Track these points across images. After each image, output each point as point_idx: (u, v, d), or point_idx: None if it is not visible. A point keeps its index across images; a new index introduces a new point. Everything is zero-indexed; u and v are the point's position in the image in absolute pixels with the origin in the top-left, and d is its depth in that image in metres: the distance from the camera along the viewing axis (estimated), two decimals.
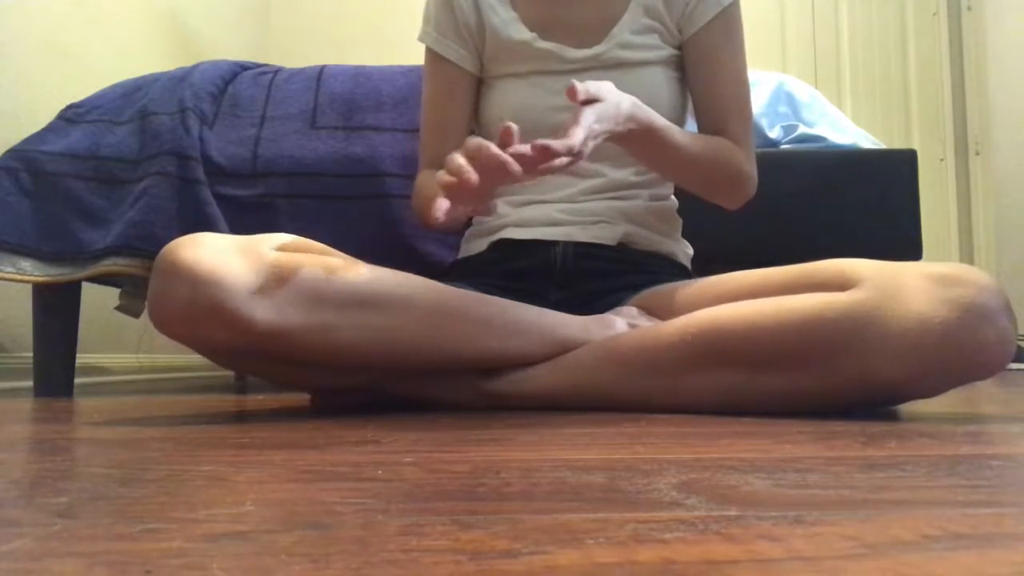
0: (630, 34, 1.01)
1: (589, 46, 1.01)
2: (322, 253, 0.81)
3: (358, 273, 0.79)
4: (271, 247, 0.77)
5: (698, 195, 1.02)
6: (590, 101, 0.81)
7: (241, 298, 0.72)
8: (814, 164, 1.38)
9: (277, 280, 0.74)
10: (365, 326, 0.78)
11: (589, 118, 0.79)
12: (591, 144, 0.80)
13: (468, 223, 1.11)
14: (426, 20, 1.09)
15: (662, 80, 1.01)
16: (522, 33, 1.03)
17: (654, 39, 1.01)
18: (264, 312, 0.73)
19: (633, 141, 0.88)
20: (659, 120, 0.89)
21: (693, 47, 1.01)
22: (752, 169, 1.01)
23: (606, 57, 1.01)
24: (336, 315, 0.76)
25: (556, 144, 0.74)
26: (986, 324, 0.67)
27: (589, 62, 1.01)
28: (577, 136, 0.76)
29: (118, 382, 1.81)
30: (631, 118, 0.85)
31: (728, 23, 1.00)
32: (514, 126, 0.75)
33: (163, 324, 0.74)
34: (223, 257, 0.73)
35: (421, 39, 1.09)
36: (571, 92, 0.80)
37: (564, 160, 0.76)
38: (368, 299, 0.78)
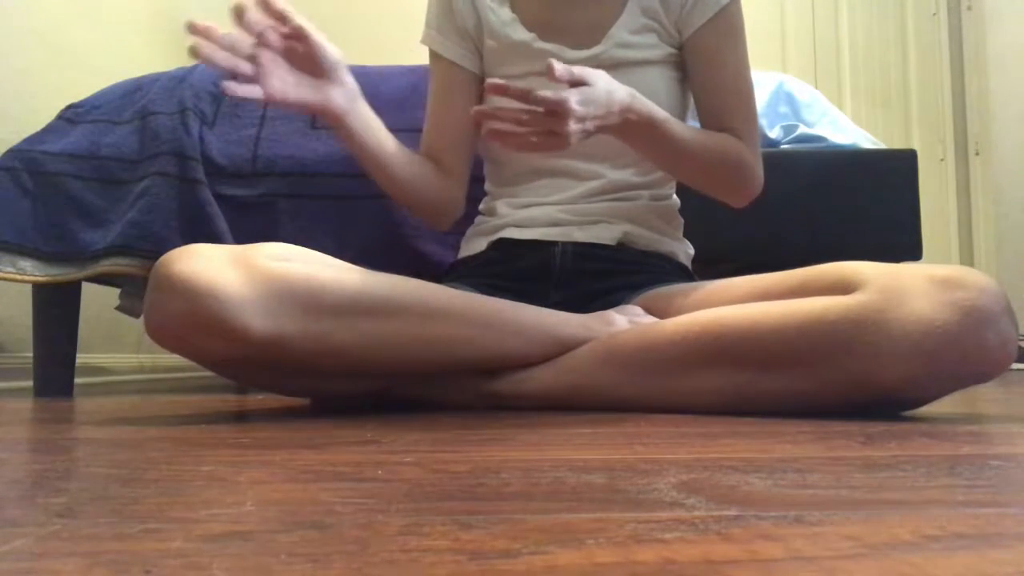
0: (628, 34, 1.01)
1: (588, 47, 1.01)
2: (317, 260, 0.81)
3: (354, 280, 0.79)
4: (265, 256, 0.76)
5: (704, 192, 1.01)
6: (577, 85, 0.81)
7: (236, 309, 0.71)
8: (814, 164, 1.38)
9: (272, 290, 0.74)
10: (363, 332, 0.77)
11: (571, 95, 0.79)
12: (578, 129, 0.80)
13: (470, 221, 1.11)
14: (428, 23, 1.09)
15: (661, 80, 1.01)
16: (521, 34, 1.03)
17: (652, 39, 1.01)
18: (260, 322, 0.72)
19: (632, 133, 0.88)
20: (659, 112, 0.89)
21: (692, 47, 1.01)
22: (758, 166, 1.01)
23: (604, 57, 1.00)
24: (333, 322, 0.76)
25: (537, 94, 0.77)
26: (987, 327, 0.67)
27: (588, 62, 1.01)
28: (548, 95, 0.78)
29: (118, 382, 1.81)
30: (628, 108, 0.85)
31: (727, 22, 1.00)
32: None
33: (160, 337, 0.74)
34: (217, 268, 0.72)
35: (423, 41, 1.09)
36: (549, 71, 0.80)
37: (545, 138, 0.78)
38: (365, 306, 0.78)
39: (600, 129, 0.84)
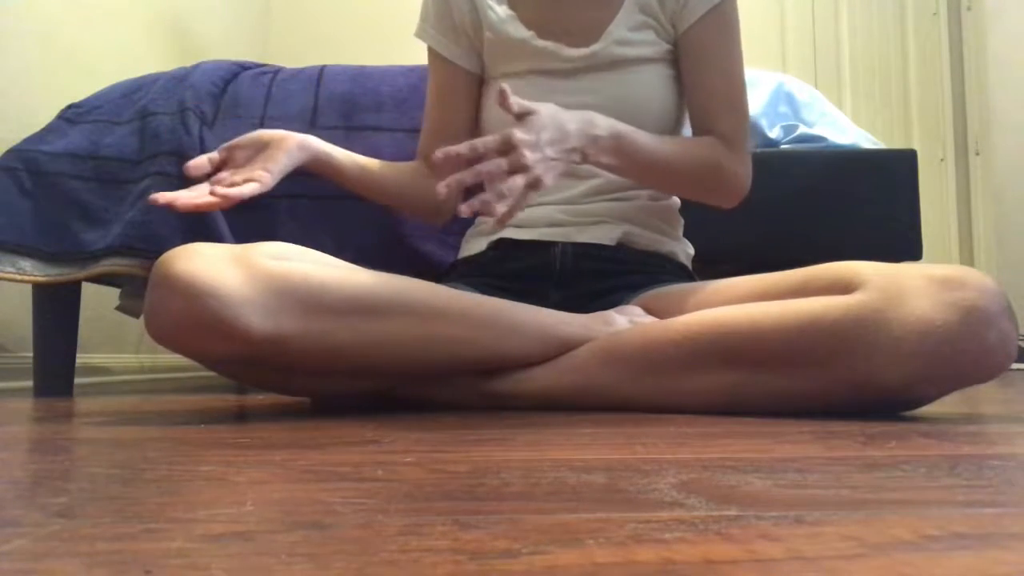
0: (626, 31, 1.01)
1: (586, 44, 1.01)
2: (317, 260, 0.81)
3: (354, 280, 0.79)
4: (265, 255, 0.76)
5: (688, 199, 1.01)
6: (524, 116, 0.81)
7: (236, 308, 0.71)
8: (814, 164, 1.38)
9: (272, 289, 0.74)
10: (363, 332, 0.78)
11: (514, 129, 0.79)
12: (537, 157, 0.78)
13: (471, 222, 1.11)
14: (423, 17, 1.09)
15: (658, 78, 1.01)
16: (520, 31, 1.03)
17: (650, 35, 1.01)
18: (260, 322, 0.72)
19: (605, 154, 0.87)
20: (622, 125, 0.89)
21: (686, 43, 1.01)
22: (742, 168, 0.99)
23: (603, 55, 1.00)
24: (333, 322, 0.76)
25: (480, 140, 0.78)
26: (987, 327, 0.67)
27: (587, 60, 1.01)
28: (491, 137, 0.78)
29: (118, 382, 1.81)
30: (591, 123, 0.85)
31: (721, 20, 0.99)
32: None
33: (161, 337, 0.74)
34: (217, 267, 0.72)
35: (417, 35, 1.09)
36: (502, 95, 0.80)
37: (513, 178, 0.77)
38: (365, 305, 0.78)
39: (569, 156, 0.83)
